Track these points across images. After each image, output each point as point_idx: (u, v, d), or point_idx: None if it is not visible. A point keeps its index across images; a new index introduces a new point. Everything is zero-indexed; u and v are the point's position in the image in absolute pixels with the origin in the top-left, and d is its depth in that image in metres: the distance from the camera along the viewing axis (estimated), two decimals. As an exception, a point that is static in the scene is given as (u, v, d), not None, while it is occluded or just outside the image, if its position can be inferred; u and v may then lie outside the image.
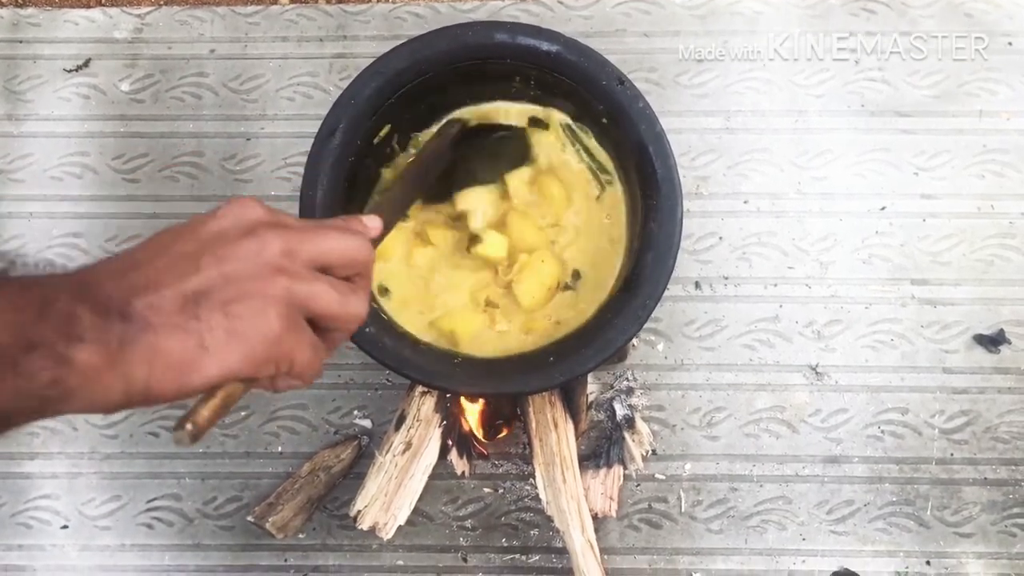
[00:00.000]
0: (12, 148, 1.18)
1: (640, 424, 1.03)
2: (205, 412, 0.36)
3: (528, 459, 1.01)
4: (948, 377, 1.05)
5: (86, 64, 1.21)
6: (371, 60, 0.75)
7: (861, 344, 1.07)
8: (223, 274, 0.36)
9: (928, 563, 1.00)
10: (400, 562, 1.02)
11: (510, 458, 1.04)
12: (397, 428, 0.94)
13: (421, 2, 1.22)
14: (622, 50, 1.18)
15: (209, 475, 1.05)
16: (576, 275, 0.78)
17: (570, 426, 0.94)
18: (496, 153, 0.82)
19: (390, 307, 0.77)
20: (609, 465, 1.00)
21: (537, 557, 1.02)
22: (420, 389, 0.94)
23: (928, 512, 1.02)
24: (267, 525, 0.96)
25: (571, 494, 0.91)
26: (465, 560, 1.02)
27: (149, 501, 1.05)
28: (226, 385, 0.36)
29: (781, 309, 1.08)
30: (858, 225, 1.11)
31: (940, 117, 1.14)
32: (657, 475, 1.03)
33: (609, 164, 0.80)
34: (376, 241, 0.48)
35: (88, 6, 1.25)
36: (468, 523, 1.03)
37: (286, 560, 1.03)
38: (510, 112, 0.82)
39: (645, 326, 0.72)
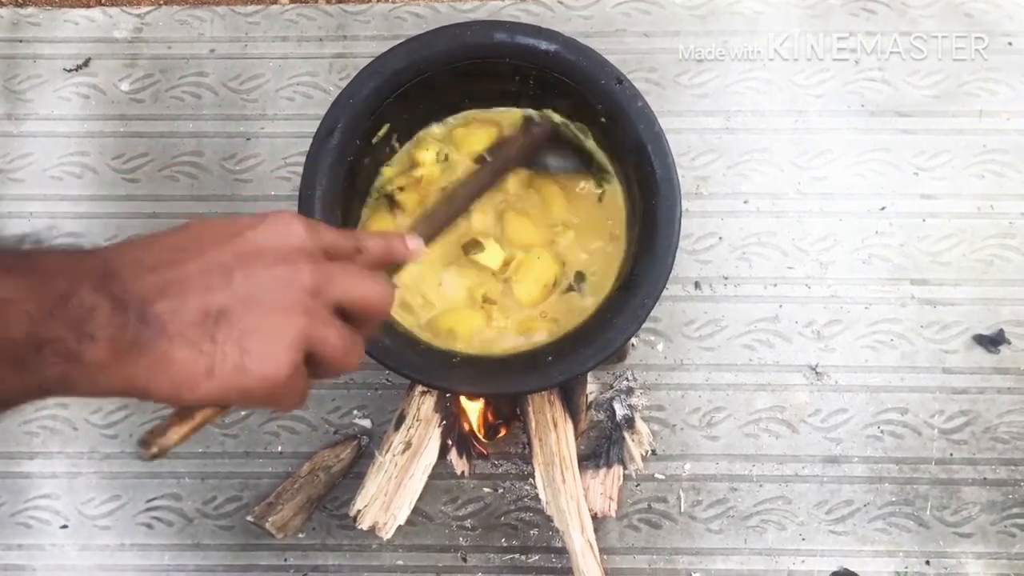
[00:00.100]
0: (12, 148, 1.18)
1: (640, 424, 1.03)
2: (174, 436, 0.36)
3: (528, 459, 1.01)
4: (948, 377, 1.05)
5: (86, 64, 1.21)
6: (371, 60, 0.75)
7: (861, 344, 1.07)
8: (250, 296, 0.36)
9: (928, 563, 1.00)
10: (400, 562, 1.02)
11: (510, 458, 1.04)
12: (397, 428, 0.94)
13: (421, 2, 1.22)
14: (622, 50, 1.18)
15: (209, 475, 1.05)
16: (580, 277, 0.78)
17: (570, 426, 0.93)
18: (559, 154, 0.81)
19: (390, 306, 0.77)
20: (609, 465, 1.00)
21: (537, 557, 1.02)
22: (420, 389, 0.94)
23: (928, 512, 1.02)
24: (267, 525, 0.96)
25: (571, 494, 0.91)
26: (465, 560, 1.02)
27: (149, 501, 1.05)
28: (207, 409, 0.37)
29: (781, 309, 1.08)
30: (858, 225, 1.11)
31: (940, 117, 1.14)
32: (657, 475, 1.03)
33: (608, 164, 0.80)
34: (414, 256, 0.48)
35: (88, 6, 1.25)
36: (468, 523, 1.03)
37: (286, 560, 1.03)
38: (511, 112, 0.82)
39: (645, 326, 0.72)
